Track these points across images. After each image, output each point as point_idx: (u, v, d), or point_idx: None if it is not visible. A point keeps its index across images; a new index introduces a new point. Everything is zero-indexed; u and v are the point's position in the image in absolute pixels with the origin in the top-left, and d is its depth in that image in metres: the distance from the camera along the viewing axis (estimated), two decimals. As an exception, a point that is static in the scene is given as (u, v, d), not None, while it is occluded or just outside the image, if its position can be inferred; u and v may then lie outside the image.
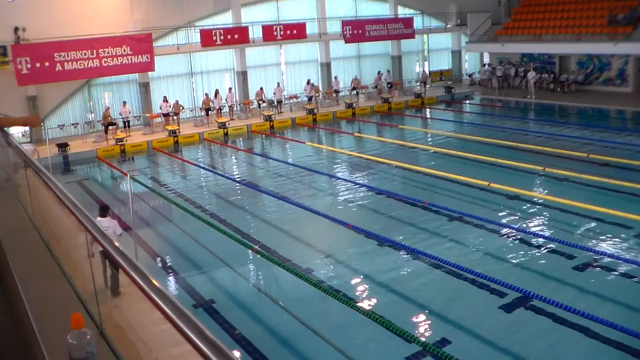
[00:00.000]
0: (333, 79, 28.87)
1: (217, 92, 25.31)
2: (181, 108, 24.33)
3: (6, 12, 21.41)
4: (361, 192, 14.98)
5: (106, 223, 8.99)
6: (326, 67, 29.73)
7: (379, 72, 30.24)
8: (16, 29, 21.27)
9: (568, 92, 28.36)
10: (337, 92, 28.60)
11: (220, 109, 25.22)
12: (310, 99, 27.08)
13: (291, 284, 9.67)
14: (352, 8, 31.09)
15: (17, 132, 23.17)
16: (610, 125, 22.22)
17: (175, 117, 23.97)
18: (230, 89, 26.23)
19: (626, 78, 27.90)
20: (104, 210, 9.20)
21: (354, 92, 28.75)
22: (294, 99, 28.12)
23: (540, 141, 19.07)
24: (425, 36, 34.22)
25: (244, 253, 11.05)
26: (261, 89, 26.67)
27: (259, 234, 12.12)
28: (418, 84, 31.42)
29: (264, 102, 26.52)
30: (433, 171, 15.96)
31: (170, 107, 23.85)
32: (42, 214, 4.92)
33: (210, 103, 24.91)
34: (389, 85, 29.99)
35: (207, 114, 24.83)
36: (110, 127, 22.35)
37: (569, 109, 26.11)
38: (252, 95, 27.17)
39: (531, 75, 28.15)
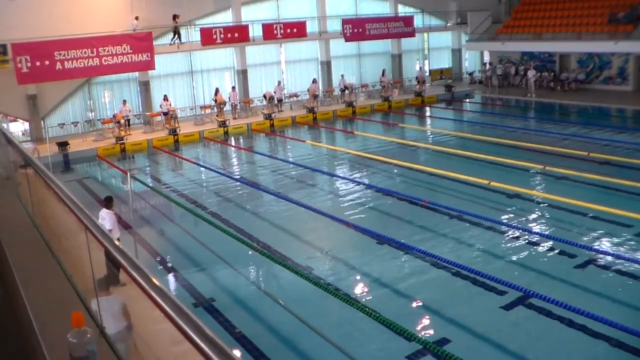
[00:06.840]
0: (340, 77, 28.59)
1: (233, 88, 25.95)
2: (176, 110, 23.98)
3: (6, 12, 21.39)
4: (361, 190, 14.97)
5: (104, 215, 8.99)
6: (326, 65, 29.71)
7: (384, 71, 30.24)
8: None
9: (568, 90, 28.33)
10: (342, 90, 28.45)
11: (235, 105, 25.58)
12: (315, 97, 26.93)
13: (291, 282, 9.67)
14: (352, 6, 31.02)
15: (17, 130, 23.20)
16: (610, 123, 22.21)
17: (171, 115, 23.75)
18: (233, 87, 26.22)
19: (626, 76, 27.86)
20: (108, 202, 9.19)
21: (346, 91, 28.44)
22: (295, 98, 28.12)
23: (541, 140, 19.04)
24: (425, 35, 34.19)
25: (244, 251, 11.04)
26: (280, 84, 27.20)
27: (259, 233, 12.10)
28: (417, 83, 31.38)
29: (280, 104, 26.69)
30: (433, 170, 15.95)
31: (170, 104, 23.73)
32: (42, 213, 4.92)
33: (225, 98, 25.22)
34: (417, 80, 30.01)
35: (220, 107, 25.02)
36: (119, 124, 22.51)
37: (569, 107, 26.07)
38: (252, 94, 27.18)
39: (531, 73, 28.11)
